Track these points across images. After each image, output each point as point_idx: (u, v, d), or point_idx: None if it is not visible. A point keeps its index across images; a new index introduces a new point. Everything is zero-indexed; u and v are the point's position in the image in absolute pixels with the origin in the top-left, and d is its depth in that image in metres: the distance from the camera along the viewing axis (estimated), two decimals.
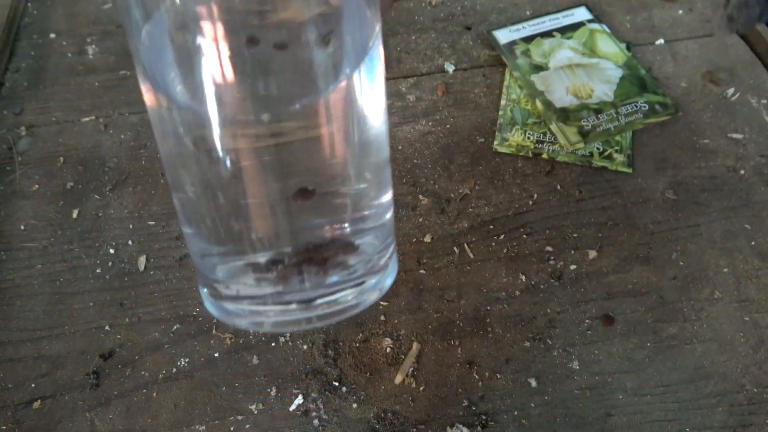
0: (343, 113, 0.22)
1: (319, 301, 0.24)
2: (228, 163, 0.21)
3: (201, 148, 0.21)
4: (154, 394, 0.36)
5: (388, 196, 0.27)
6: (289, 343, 0.38)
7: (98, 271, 0.42)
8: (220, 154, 0.21)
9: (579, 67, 0.51)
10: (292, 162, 0.22)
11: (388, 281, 0.27)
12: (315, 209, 0.23)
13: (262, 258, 0.24)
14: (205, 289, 0.26)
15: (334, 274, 0.24)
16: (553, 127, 0.47)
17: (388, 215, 0.27)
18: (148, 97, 0.22)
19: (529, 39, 0.53)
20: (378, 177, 0.25)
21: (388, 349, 0.37)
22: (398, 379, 0.36)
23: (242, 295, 0.25)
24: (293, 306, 0.24)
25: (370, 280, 0.26)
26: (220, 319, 0.26)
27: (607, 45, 0.52)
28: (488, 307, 0.39)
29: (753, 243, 0.41)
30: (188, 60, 0.21)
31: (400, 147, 0.47)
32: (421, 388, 0.36)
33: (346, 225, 0.25)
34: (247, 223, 0.23)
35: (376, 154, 0.25)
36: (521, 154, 0.46)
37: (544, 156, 0.46)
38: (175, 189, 0.25)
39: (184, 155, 0.23)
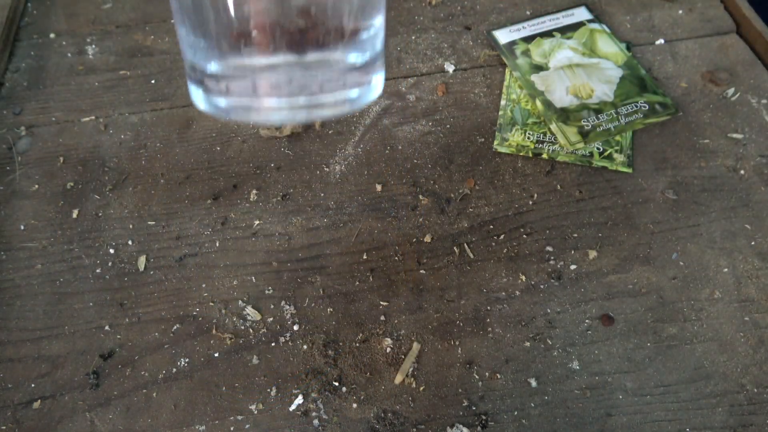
0: None
1: (303, 97, 0.27)
2: None
3: None
4: (154, 394, 0.36)
5: (377, 18, 0.28)
6: (289, 343, 0.38)
7: (98, 271, 0.42)
8: None
9: (579, 67, 0.51)
10: None
11: (371, 96, 0.30)
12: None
13: (248, 32, 0.26)
14: (198, 88, 0.28)
15: (313, 55, 0.26)
16: (553, 127, 0.47)
17: (375, 32, 0.28)
18: None
19: (529, 39, 0.53)
20: None
21: (388, 349, 0.37)
22: (398, 379, 0.36)
23: (233, 89, 0.27)
24: (283, 99, 0.27)
25: (351, 90, 0.28)
26: (212, 113, 0.28)
27: (607, 45, 0.52)
28: (488, 307, 0.39)
29: (753, 243, 0.41)
30: None
31: (400, 147, 0.47)
32: (421, 388, 0.36)
33: (330, 15, 0.26)
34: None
35: None
36: (521, 154, 0.46)
37: (544, 156, 0.46)
38: None
39: None
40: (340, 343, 0.38)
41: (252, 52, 0.26)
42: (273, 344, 0.38)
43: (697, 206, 0.43)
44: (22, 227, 0.44)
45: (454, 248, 0.42)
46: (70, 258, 0.42)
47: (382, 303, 0.39)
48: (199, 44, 0.27)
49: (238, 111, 0.27)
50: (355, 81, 0.28)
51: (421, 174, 0.46)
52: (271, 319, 0.39)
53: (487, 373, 0.36)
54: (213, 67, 0.27)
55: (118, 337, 0.39)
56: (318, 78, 0.27)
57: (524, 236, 0.42)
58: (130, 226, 0.44)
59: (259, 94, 0.27)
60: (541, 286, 0.40)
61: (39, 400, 0.36)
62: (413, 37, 0.55)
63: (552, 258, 0.41)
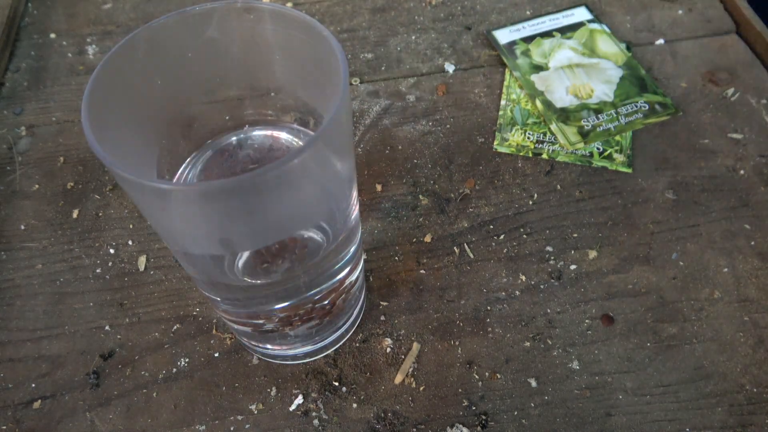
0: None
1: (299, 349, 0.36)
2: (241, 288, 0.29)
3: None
4: (154, 394, 0.36)
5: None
6: None
7: (98, 271, 0.42)
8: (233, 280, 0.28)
9: (579, 67, 0.51)
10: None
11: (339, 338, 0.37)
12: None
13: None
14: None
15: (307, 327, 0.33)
16: (553, 127, 0.47)
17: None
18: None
19: (529, 39, 0.53)
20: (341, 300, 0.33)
21: (388, 349, 0.37)
22: (398, 379, 0.36)
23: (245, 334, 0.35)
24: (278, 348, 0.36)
25: (328, 337, 0.36)
26: None
27: (607, 45, 0.52)
28: (488, 307, 0.39)
29: (753, 243, 0.41)
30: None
31: (400, 147, 0.47)
32: (421, 388, 0.36)
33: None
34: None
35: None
36: (521, 154, 0.46)
37: (544, 156, 0.46)
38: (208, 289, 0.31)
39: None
40: (340, 343, 0.38)
41: None
42: None
43: (697, 206, 0.43)
44: (22, 227, 0.44)
45: (454, 248, 0.42)
46: (70, 258, 0.42)
47: (382, 303, 0.39)
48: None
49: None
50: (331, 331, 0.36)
51: (421, 174, 0.46)
52: None
53: (487, 373, 0.36)
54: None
55: (119, 337, 0.39)
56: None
57: (524, 236, 0.42)
58: (130, 226, 0.44)
59: None
60: (541, 286, 0.40)
61: (39, 400, 0.36)
62: (413, 37, 0.55)
63: (552, 258, 0.41)
